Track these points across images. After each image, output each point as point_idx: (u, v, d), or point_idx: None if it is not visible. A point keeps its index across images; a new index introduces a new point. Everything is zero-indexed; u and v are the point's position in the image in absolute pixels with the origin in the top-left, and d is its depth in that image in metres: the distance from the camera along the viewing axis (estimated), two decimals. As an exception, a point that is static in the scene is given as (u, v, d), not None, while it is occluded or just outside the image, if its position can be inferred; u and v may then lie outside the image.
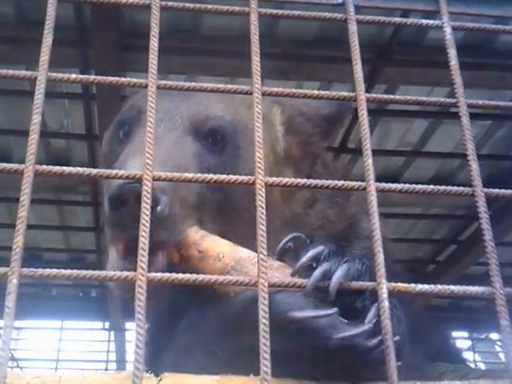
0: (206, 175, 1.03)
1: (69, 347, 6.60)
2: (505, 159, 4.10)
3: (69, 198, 4.45)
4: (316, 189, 1.89)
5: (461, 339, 6.68)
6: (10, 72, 1.07)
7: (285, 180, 1.03)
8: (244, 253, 1.29)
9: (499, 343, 6.74)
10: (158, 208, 1.39)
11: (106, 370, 6.44)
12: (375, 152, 3.71)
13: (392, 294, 0.94)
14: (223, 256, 1.30)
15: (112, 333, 6.37)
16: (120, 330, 6.19)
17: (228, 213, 1.70)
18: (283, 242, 1.24)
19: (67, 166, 3.11)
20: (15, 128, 3.58)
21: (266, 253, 0.96)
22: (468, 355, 6.46)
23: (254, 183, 1.01)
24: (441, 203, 4.25)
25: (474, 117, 3.91)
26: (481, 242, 1.00)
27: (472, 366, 6.03)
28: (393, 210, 4.40)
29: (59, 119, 3.71)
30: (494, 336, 6.57)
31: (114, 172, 1.04)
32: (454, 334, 6.64)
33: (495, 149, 4.03)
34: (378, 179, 3.54)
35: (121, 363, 6.32)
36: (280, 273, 1.19)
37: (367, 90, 3.46)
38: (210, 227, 1.55)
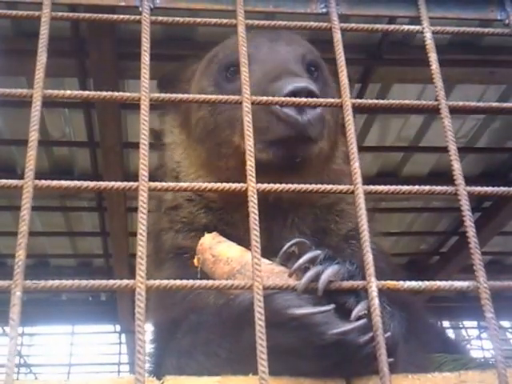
0: (201, 184, 1.07)
1: (81, 351, 6.64)
2: (500, 152, 4.13)
3: (74, 204, 4.50)
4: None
5: (469, 328, 6.74)
6: (7, 91, 1.11)
7: (276, 186, 1.07)
8: (250, 258, 1.33)
9: (511, 330, 6.78)
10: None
11: (119, 372, 6.50)
12: (375, 148, 3.81)
13: (382, 291, 0.98)
14: (231, 260, 1.37)
15: (123, 335, 6.42)
16: (131, 332, 6.22)
17: None
18: (286, 246, 1.29)
19: (71, 173, 3.19)
20: (18, 138, 3.63)
21: (260, 257, 1.00)
22: (478, 343, 6.53)
23: (246, 190, 1.05)
24: (441, 196, 4.28)
25: (468, 111, 3.92)
26: (480, 233, 1.04)
27: (480, 353, 6.07)
28: (395, 204, 4.44)
29: (61, 128, 3.75)
30: (504, 324, 6.60)
31: (116, 184, 1.08)
32: (464, 323, 6.71)
33: (490, 142, 4.05)
34: (379, 175, 3.59)
35: (133, 365, 6.34)
36: (279, 277, 1.24)
37: (361, 90, 3.47)
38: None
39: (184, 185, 1.08)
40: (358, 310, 1.10)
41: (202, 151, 1.94)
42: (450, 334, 6.44)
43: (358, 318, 1.11)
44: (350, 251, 1.84)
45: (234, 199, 1.78)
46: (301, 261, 1.19)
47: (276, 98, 1.16)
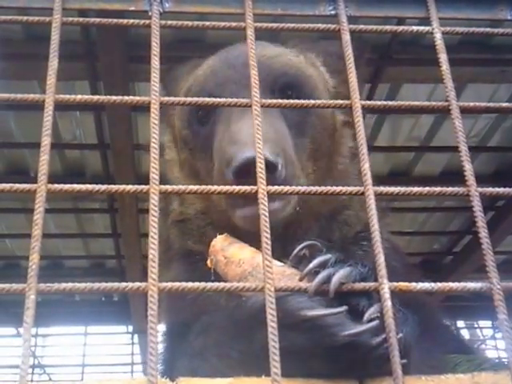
0: (210, 187, 1.07)
1: (94, 352, 6.69)
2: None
3: (86, 206, 4.54)
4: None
5: (484, 328, 6.71)
6: (19, 96, 1.12)
7: (286, 188, 1.07)
8: (262, 260, 1.34)
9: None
10: (277, 172, 1.53)
11: (132, 372, 6.54)
12: (385, 148, 3.80)
13: (394, 293, 0.98)
14: (243, 262, 1.37)
15: (136, 336, 6.45)
16: (143, 332, 6.25)
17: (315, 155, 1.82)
18: (297, 249, 1.29)
19: (82, 174, 3.22)
20: (30, 141, 3.66)
21: (271, 259, 1.00)
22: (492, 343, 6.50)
23: (256, 192, 1.05)
24: (453, 197, 4.25)
25: (479, 111, 3.91)
26: (494, 233, 1.04)
27: (494, 353, 6.03)
28: (407, 204, 4.42)
29: (72, 130, 3.78)
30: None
31: (127, 187, 1.09)
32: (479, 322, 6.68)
33: (503, 141, 4.03)
34: (390, 175, 3.58)
35: (146, 365, 6.39)
36: (290, 279, 1.24)
37: (371, 90, 3.47)
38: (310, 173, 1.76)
39: (194, 187, 1.08)
40: (371, 312, 1.10)
41: (192, 182, 1.88)
42: (465, 333, 6.42)
43: (370, 320, 1.11)
44: (362, 252, 1.83)
45: (228, 224, 1.74)
46: (311, 265, 1.19)
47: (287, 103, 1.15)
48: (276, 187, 1.06)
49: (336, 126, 1.92)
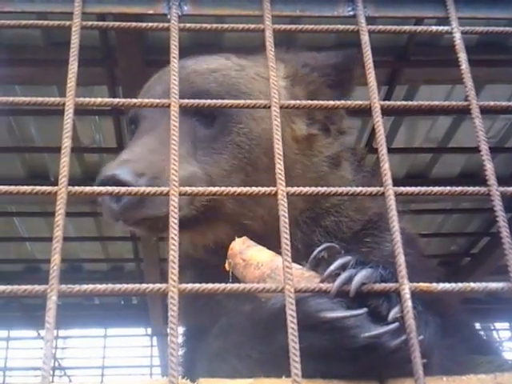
0: (230, 188, 1.08)
1: (113, 354, 6.73)
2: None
3: (105, 210, 4.56)
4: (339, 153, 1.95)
5: (501, 330, 6.64)
6: (40, 99, 1.13)
7: (305, 189, 1.07)
8: (280, 262, 1.34)
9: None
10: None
11: (151, 374, 6.56)
12: (402, 150, 3.79)
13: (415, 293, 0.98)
14: (262, 265, 1.37)
15: (154, 338, 6.48)
16: (162, 335, 6.28)
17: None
18: (316, 251, 1.29)
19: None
20: (50, 145, 3.70)
21: (290, 260, 1.00)
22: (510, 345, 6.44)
23: (275, 194, 1.05)
24: (471, 197, 4.23)
25: (499, 111, 3.89)
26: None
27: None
28: (424, 206, 4.39)
29: (91, 134, 3.81)
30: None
31: (141, 189, 1.10)
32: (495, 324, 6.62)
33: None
34: (407, 177, 3.56)
35: (165, 368, 6.42)
36: (309, 281, 1.24)
37: (388, 92, 3.45)
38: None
39: (214, 189, 1.09)
40: (396, 311, 1.09)
41: None
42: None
43: (389, 322, 1.10)
44: (366, 249, 1.79)
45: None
46: (332, 267, 1.18)
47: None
48: (295, 188, 1.06)
49: (295, 140, 1.86)
